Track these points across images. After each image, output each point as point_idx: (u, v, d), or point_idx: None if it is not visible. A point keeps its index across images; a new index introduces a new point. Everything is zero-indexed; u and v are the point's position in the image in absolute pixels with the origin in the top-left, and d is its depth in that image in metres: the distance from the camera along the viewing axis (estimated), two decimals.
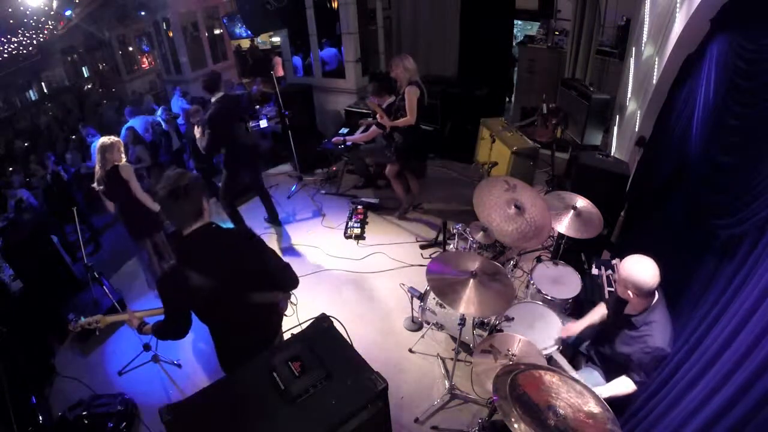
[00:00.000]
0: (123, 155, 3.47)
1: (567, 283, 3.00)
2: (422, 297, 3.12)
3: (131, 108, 7.42)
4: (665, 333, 2.00)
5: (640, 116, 3.65)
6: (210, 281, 1.78)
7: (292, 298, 2.28)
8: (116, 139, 3.43)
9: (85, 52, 14.77)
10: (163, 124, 6.91)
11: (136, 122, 6.78)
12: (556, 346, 2.52)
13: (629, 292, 2.03)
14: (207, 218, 1.84)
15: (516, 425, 1.51)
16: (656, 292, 2.04)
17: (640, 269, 1.98)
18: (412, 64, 3.94)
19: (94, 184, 3.45)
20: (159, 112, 7.27)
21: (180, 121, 7.11)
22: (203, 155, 5.39)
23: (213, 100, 3.95)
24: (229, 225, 4.50)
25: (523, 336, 2.32)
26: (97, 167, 3.41)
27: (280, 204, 5.25)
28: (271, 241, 4.64)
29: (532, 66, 6.04)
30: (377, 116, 4.23)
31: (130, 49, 13.80)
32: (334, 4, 6.64)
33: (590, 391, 1.68)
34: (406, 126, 4.03)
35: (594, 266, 2.98)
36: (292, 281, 2.10)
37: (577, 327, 2.50)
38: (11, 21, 11.56)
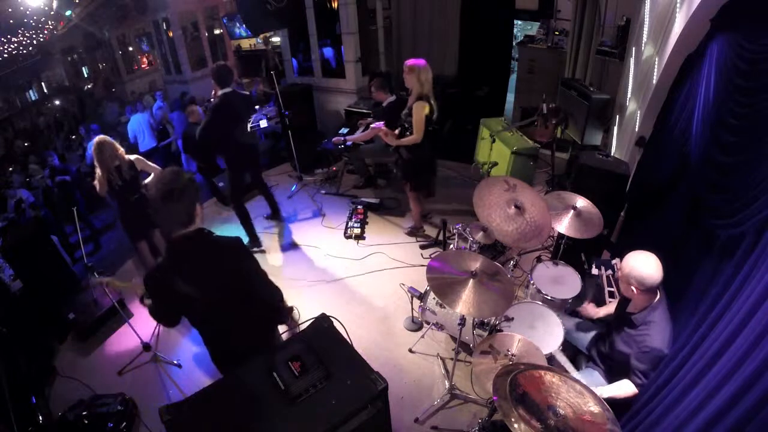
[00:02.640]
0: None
1: (567, 283, 3.00)
2: (422, 297, 3.12)
3: (132, 107, 7.45)
4: (664, 334, 2.00)
5: (640, 116, 3.65)
6: (194, 288, 1.75)
7: (295, 312, 2.25)
8: (103, 137, 3.43)
9: (85, 52, 14.76)
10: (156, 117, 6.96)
11: (140, 118, 6.79)
12: (558, 345, 2.52)
13: (632, 288, 2.03)
14: (198, 223, 1.79)
15: (516, 425, 1.51)
16: (658, 291, 2.04)
17: (643, 263, 1.99)
18: (428, 78, 3.55)
19: (99, 186, 3.41)
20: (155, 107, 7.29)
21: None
22: (203, 156, 5.40)
23: (220, 92, 3.84)
24: (227, 229, 4.51)
25: (523, 336, 2.32)
26: (102, 168, 3.36)
27: (281, 204, 5.25)
28: (273, 240, 4.65)
29: (532, 66, 6.04)
30: (383, 134, 3.91)
31: (130, 49, 13.80)
32: (334, 4, 6.64)
33: (590, 391, 1.68)
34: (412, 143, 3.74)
35: (594, 266, 2.97)
36: (273, 295, 2.07)
37: (596, 311, 2.57)
38: (11, 21, 11.57)
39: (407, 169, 4.01)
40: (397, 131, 3.82)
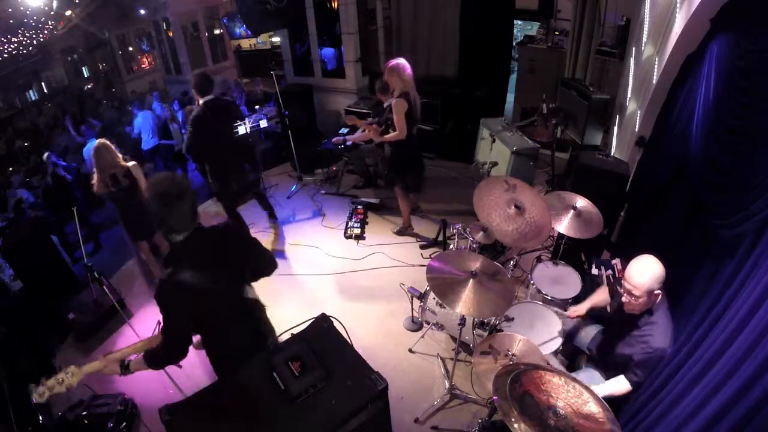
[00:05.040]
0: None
1: (567, 283, 3.00)
2: (422, 297, 3.12)
3: (138, 103, 7.45)
4: (666, 333, 2.00)
5: (640, 116, 3.64)
6: (206, 283, 1.74)
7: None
8: (104, 141, 3.43)
9: (85, 52, 14.76)
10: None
11: (147, 116, 6.77)
12: (555, 347, 2.52)
13: (651, 299, 1.98)
14: (198, 221, 1.80)
15: (516, 425, 1.51)
16: (660, 291, 2.04)
17: (655, 264, 1.95)
18: (408, 76, 3.66)
19: (97, 188, 3.42)
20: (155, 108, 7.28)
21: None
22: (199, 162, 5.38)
23: (201, 102, 3.77)
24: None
25: (523, 336, 2.32)
26: (99, 172, 3.38)
27: (280, 204, 5.25)
28: (270, 240, 4.65)
29: (532, 66, 6.04)
30: (364, 130, 3.99)
31: (130, 49, 13.81)
32: (334, 4, 6.65)
33: (590, 391, 1.68)
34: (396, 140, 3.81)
35: (594, 266, 2.98)
36: (272, 265, 2.13)
37: (582, 307, 2.53)
38: (11, 21, 11.57)
39: (390, 165, 4.12)
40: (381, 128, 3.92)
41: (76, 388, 1.81)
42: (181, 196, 1.68)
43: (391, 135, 3.80)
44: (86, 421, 2.84)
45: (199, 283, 1.72)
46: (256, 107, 6.66)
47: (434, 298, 2.97)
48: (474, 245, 3.06)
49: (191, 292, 1.71)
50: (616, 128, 4.49)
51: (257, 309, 2.11)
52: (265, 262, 2.10)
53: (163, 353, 1.82)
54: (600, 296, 2.52)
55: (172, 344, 1.81)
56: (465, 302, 2.27)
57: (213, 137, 3.88)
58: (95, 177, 3.41)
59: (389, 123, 3.83)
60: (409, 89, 3.71)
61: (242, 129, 4.14)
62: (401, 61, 3.72)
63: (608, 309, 2.45)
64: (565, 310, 2.90)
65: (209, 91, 3.80)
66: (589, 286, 2.97)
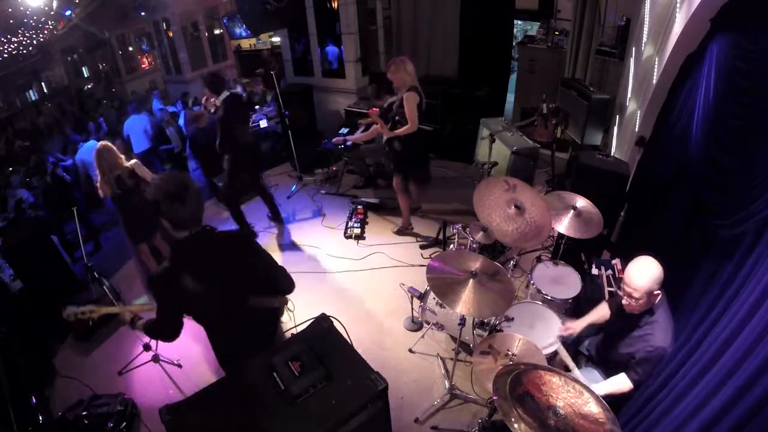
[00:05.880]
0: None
1: (567, 283, 3.00)
2: (422, 297, 3.12)
3: (136, 104, 7.45)
4: (667, 332, 2.00)
5: (640, 116, 3.65)
6: (203, 285, 1.76)
7: (289, 305, 2.26)
8: (105, 144, 3.44)
9: (85, 52, 14.76)
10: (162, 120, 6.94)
11: (137, 120, 6.78)
12: (559, 343, 2.52)
13: (651, 299, 1.97)
14: (203, 221, 1.82)
15: (516, 425, 1.51)
16: (660, 290, 2.04)
17: (653, 265, 1.95)
18: (412, 69, 3.74)
19: (102, 192, 3.43)
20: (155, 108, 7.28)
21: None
22: (204, 156, 5.40)
23: (219, 101, 3.91)
24: (229, 227, 4.50)
25: (523, 336, 2.32)
26: (101, 175, 3.38)
27: (280, 204, 5.24)
28: (273, 240, 4.65)
29: (532, 66, 6.04)
30: (378, 125, 4.00)
31: (130, 49, 13.81)
32: (334, 4, 6.64)
33: (590, 391, 1.68)
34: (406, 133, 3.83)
35: (594, 266, 2.98)
36: (287, 285, 2.10)
37: (578, 325, 2.49)
38: (11, 21, 11.57)
39: (399, 161, 4.08)
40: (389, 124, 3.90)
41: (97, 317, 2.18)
42: (187, 194, 1.72)
43: (403, 129, 3.79)
44: (86, 421, 2.83)
45: (189, 284, 1.74)
46: (256, 107, 6.66)
47: (434, 298, 2.97)
48: (474, 245, 3.06)
49: (181, 286, 1.74)
50: (616, 128, 4.49)
51: (264, 319, 2.10)
52: (278, 283, 2.08)
53: (156, 327, 1.93)
54: (599, 313, 2.45)
55: (160, 321, 1.90)
56: (465, 302, 2.27)
57: (237, 131, 4.01)
58: (99, 181, 3.41)
59: (398, 119, 3.83)
60: (416, 83, 3.76)
61: None
62: (402, 57, 3.79)
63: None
64: (565, 313, 2.91)
65: (223, 88, 3.92)
66: (589, 286, 2.97)
